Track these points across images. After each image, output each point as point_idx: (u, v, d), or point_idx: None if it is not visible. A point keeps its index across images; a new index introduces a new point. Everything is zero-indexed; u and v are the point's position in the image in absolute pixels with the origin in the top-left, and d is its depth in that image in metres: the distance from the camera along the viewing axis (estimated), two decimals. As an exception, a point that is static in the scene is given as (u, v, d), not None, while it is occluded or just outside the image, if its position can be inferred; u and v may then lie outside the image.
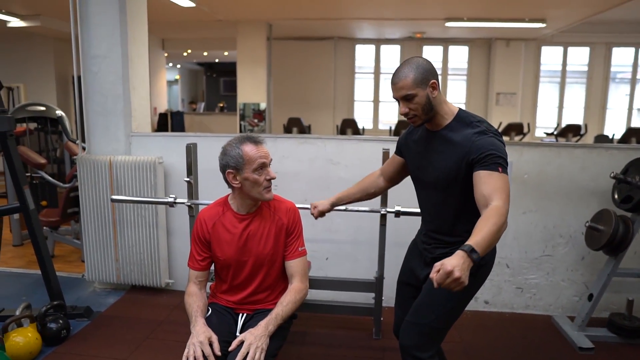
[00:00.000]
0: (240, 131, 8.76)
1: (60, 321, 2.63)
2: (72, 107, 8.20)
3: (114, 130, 3.23)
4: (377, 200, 2.65)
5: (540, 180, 2.97)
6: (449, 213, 1.69)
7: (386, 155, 2.54)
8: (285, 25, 8.78)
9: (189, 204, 2.70)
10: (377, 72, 10.39)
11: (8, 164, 2.72)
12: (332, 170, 3.09)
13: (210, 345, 1.63)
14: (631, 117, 9.90)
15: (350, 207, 2.65)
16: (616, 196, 2.75)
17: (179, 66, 14.87)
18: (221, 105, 13.94)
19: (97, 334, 2.75)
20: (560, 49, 9.83)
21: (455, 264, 1.26)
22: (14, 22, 7.27)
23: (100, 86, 3.19)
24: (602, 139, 7.90)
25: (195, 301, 1.80)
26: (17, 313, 2.59)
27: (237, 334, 1.77)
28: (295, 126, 8.42)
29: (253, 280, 1.83)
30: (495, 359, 2.58)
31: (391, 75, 1.66)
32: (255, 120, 8.95)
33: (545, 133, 9.41)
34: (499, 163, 1.51)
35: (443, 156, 1.64)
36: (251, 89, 8.84)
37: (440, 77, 1.79)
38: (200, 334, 1.64)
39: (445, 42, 10.01)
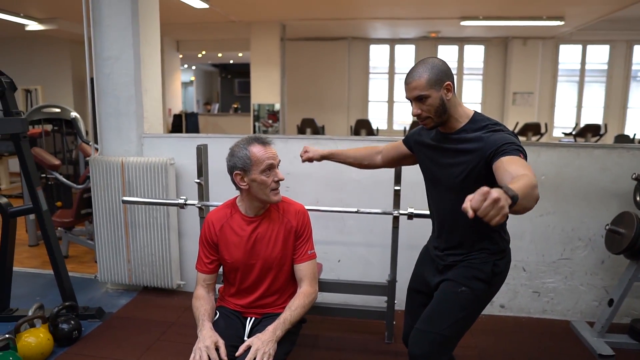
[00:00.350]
0: (254, 132, 8.77)
1: (72, 322, 2.64)
2: (88, 109, 8.34)
3: (126, 131, 3.24)
4: (390, 202, 2.61)
5: (558, 182, 2.89)
6: (466, 220, 1.63)
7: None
8: (299, 26, 8.76)
9: (199, 205, 2.69)
10: (391, 72, 10.31)
11: (21, 165, 2.75)
12: (344, 172, 3.03)
13: (217, 350, 1.60)
14: (653, 116, 9.66)
15: (362, 209, 2.63)
16: (638, 198, 2.67)
17: (194, 67, 14.99)
18: (235, 106, 13.99)
19: (108, 335, 2.75)
20: (579, 47, 9.62)
21: (497, 190, 1.11)
22: (32, 26, 7.39)
23: (112, 88, 3.21)
24: (622, 139, 7.71)
25: (203, 305, 1.78)
26: (30, 313, 2.60)
27: (245, 338, 1.75)
28: (309, 127, 8.39)
29: (261, 284, 1.80)
30: (511, 366, 2.51)
31: (405, 75, 1.62)
32: (270, 121, 8.95)
33: (563, 133, 9.21)
34: (517, 150, 1.43)
35: (457, 160, 1.59)
36: (265, 90, 8.85)
37: (455, 77, 1.74)
38: (207, 339, 1.62)
39: (461, 41, 9.88)
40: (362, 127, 8.49)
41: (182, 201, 2.74)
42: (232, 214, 1.82)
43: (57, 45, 8.53)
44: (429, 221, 1.88)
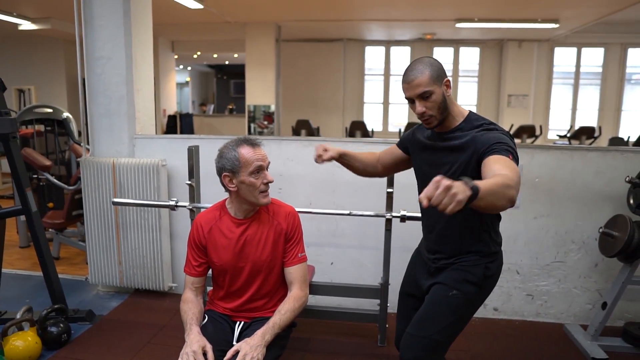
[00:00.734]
0: (250, 133, 8.75)
1: (61, 325, 2.60)
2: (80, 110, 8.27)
3: (117, 132, 3.21)
4: (383, 204, 2.59)
5: (552, 184, 2.88)
6: (456, 221, 1.62)
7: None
8: (294, 27, 8.75)
9: (190, 207, 2.66)
10: (386, 74, 10.31)
11: (11, 166, 2.71)
12: (337, 173, 3.03)
13: (204, 354, 1.58)
14: (647, 119, 9.70)
15: (354, 211, 2.61)
16: (631, 201, 2.66)
17: (189, 68, 14.94)
18: (230, 107, 13.96)
19: (98, 338, 2.72)
20: (574, 49, 9.66)
21: (456, 184, 1.12)
22: (25, 25, 7.34)
23: (104, 88, 3.18)
24: (616, 141, 7.73)
25: (191, 308, 1.75)
26: (18, 316, 2.56)
27: (234, 342, 1.72)
28: (304, 128, 8.38)
29: (250, 287, 1.78)
30: (504, 369, 2.50)
31: (402, 77, 1.59)
32: (265, 123, 8.93)
33: (557, 135, 9.25)
34: (507, 150, 1.42)
35: (450, 158, 1.58)
36: (260, 91, 8.82)
37: (450, 79, 1.72)
38: (194, 343, 1.59)
39: (456, 43, 9.90)
40: (357, 129, 8.48)
41: (173, 203, 2.71)
42: (221, 216, 1.79)
43: (51, 45, 8.47)
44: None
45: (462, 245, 1.61)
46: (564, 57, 9.76)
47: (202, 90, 16.11)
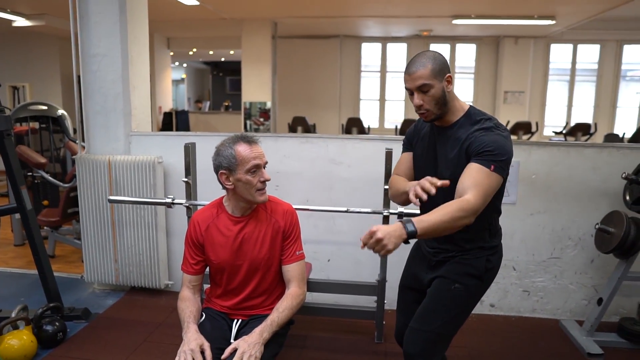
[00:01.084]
0: (246, 130, 8.72)
1: (57, 323, 2.59)
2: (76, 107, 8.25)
3: (113, 129, 3.19)
4: (380, 201, 2.59)
5: (548, 181, 2.88)
6: None
7: (389, 155, 2.48)
8: (291, 24, 8.72)
9: (187, 204, 2.65)
10: (383, 71, 10.30)
11: (5, 163, 2.69)
12: (334, 170, 3.03)
13: (202, 352, 1.57)
14: (642, 115, 9.74)
15: (352, 208, 2.61)
16: (627, 197, 2.67)
17: (185, 65, 14.88)
18: (226, 104, 13.92)
19: (94, 336, 2.70)
20: (570, 46, 9.69)
21: (386, 229, 1.32)
22: (19, 22, 7.27)
23: (99, 85, 3.15)
24: (612, 137, 7.76)
25: (188, 306, 1.75)
26: (13, 315, 2.55)
27: (232, 340, 1.71)
28: (300, 125, 8.36)
29: (248, 285, 1.77)
30: (501, 365, 2.51)
31: (402, 72, 1.60)
32: (261, 119, 8.91)
33: (554, 132, 9.27)
34: (494, 161, 1.46)
35: (450, 154, 1.58)
36: (256, 88, 8.80)
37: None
38: (192, 341, 1.59)
39: (453, 40, 9.90)
40: (354, 126, 8.48)
41: (169, 200, 2.70)
42: (218, 214, 1.79)
43: (46, 42, 8.40)
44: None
45: (463, 239, 1.61)
46: (560, 54, 9.79)
47: (197, 87, 16.06)
